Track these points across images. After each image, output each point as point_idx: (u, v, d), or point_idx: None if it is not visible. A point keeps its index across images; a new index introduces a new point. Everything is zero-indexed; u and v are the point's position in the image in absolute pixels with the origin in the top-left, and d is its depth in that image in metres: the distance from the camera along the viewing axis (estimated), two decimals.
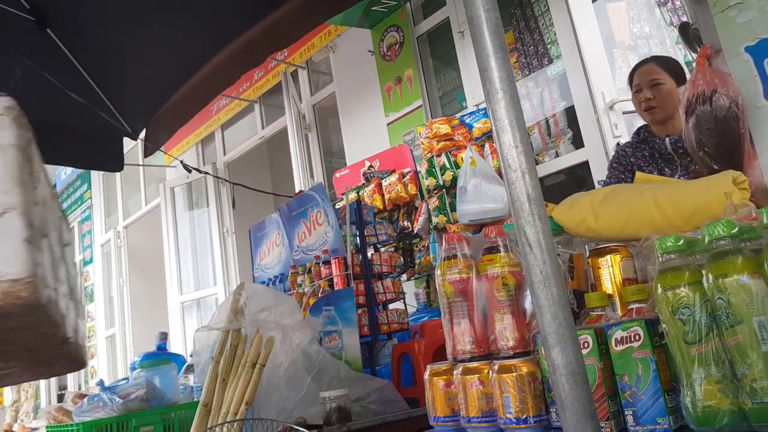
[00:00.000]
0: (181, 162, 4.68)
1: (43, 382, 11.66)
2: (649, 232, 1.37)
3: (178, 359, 3.34)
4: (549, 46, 4.92)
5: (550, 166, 4.82)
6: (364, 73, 6.36)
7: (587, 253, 1.62)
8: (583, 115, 4.58)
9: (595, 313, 1.40)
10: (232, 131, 8.56)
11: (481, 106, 5.07)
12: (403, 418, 2.56)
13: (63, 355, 1.16)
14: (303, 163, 7.13)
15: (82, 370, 11.62)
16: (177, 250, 8.50)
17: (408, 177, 5.00)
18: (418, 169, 4.92)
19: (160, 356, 3.13)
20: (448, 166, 4.45)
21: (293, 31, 3.15)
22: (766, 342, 1.02)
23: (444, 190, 4.51)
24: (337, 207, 3.91)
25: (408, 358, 3.07)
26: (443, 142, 4.53)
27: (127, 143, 4.10)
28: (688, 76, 2.76)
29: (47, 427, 2.81)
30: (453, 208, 4.37)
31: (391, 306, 3.59)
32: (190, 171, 4.67)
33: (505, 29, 5.03)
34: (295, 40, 3.44)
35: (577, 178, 4.79)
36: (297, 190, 6.20)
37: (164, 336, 3.45)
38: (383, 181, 5.13)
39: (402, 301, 3.75)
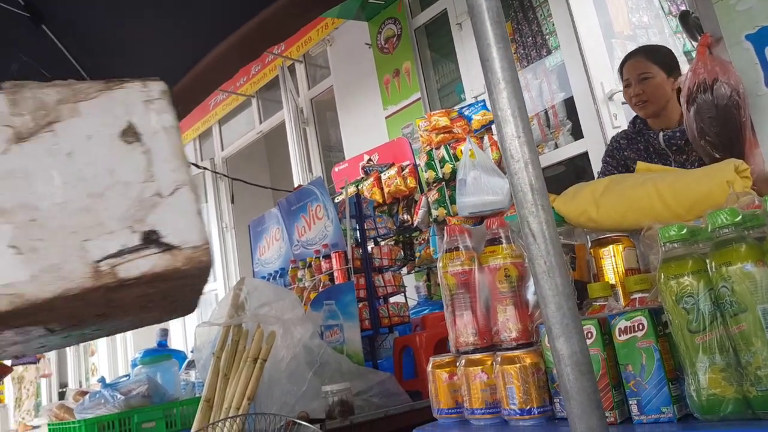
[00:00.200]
0: None
1: (44, 381, 11.69)
2: (651, 221, 1.37)
3: (179, 355, 3.34)
4: (547, 37, 4.91)
5: (550, 157, 4.81)
6: (361, 66, 6.35)
7: (589, 243, 1.62)
8: (582, 106, 4.58)
9: (598, 304, 1.39)
10: (229, 126, 8.55)
11: (479, 98, 5.06)
12: (405, 411, 2.56)
13: (191, 303, 1.30)
14: (301, 158, 7.12)
15: (83, 369, 11.64)
16: None
17: (407, 170, 4.99)
18: (417, 162, 4.92)
19: (161, 353, 3.13)
20: (447, 158, 4.44)
21: (290, 24, 3.14)
22: None
23: (443, 182, 4.50)
24: (336, 201, 3.91)
25: (409, 351, 3.07)
26: (442, 135, 4.52)
27: None
28: (684, 64, 2.75)
29: (49, 424, 2.81)
30: (452, 201, 4.36)
31: (391, 299, 3.59)
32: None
33: None
34: (292, 33, 3.43)
35: (577, 169, 4.79)
36: (296, 185, 6.20)
37: (165, 332, 3.44)
38: (382, 175, 5.12)
39: (403, 294, 3.75)
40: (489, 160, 4.15)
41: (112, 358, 10.50)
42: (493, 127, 4.34)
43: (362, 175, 5.34)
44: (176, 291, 1.19)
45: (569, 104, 4.75)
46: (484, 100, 4.71)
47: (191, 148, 8.79)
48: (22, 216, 1.13)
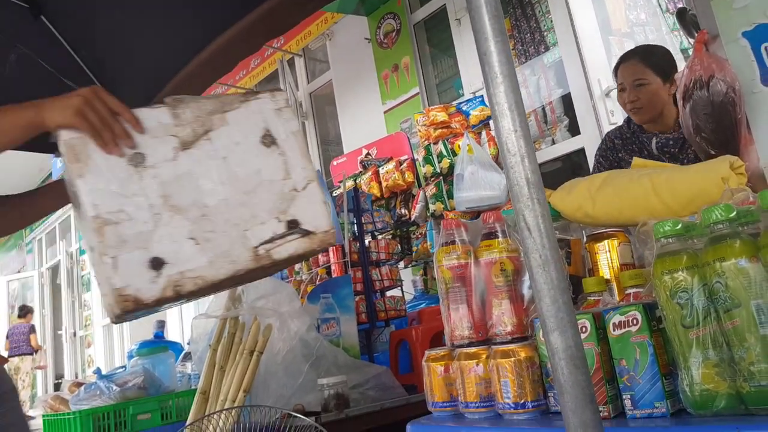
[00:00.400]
0: None
1: (39, 372, 11.70)
2: (647, 217, 1.37)
3: (175, 347, 3.35)
4: (545, 33, 4.91)
5: (547, 153, 4.82)
6: (360, 61, 6.34)
7: (584, 238, 1.62)
8: (580, 103, 4.58)
9: (592, 298, 1.40)
10: None
11: (477, 94, 5.06)
12: (401, 404, 2.57)
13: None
14: None
15: (79, 360, 11.64)
16: None
17: (405, 164, 5.00)
18: (415, 157, 4.92)
19: (157, 344, 3.13)
20: (445, 153, 4.45)
21: (289, 18, 3.12)
22: (763, 325, 1.03)
23: (441, 177, 4.51)
24: (334, 195, 3.91)
25: (405, 344, 3.08)
26: (440, 130, 4.52)
27: None
28: (681, 61, 2.71)
29: (44, 415, 2.81)
30: (450, 196, 4.37)
31: (388, 293, 3.60)
32: None
33: None
34: (292, 27, 3.42)
35: (574, 165, 4.79)
36: None
37: (161, 324, 3.45)
38: (380, 169, 5.13)
39: (399, 288, 3.76)
40: (486, 155, 4.15)
41: (108, 350, 10.51)
42: (491, 122, 4.35)
43: (360, 169, 5.34)
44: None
45: (566, 100, 4.76)
46: (482, 96, 4.72)
47: None
48: (195, 212, 1.40)
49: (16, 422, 1.75)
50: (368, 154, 5.48)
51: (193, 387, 2.85)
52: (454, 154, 4.39)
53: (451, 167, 4.35)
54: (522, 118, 0.99)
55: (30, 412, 3.60)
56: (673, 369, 1.16)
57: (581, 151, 4.60)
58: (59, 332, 12.35)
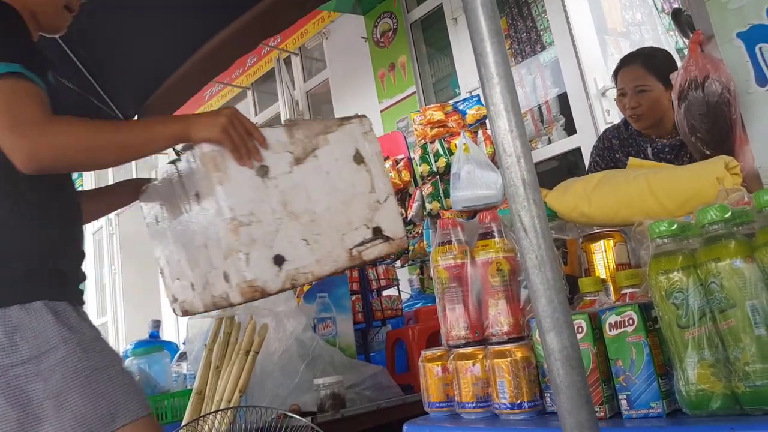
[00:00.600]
0: (174, 149, 4.64)
1: None
2: (642, 217, 1.37)
3: (170, 347, 3.34)
4: (542, 32, 4.92)
5: (543, 152, 4.82)
6: (357, 60, 6.34)
7: (580, 238, 1.62)
8: (576, 102, 4.59)
9: (588, 298, 1.40)
10: None
11: (474, 93, 5.06)
12: (397, 404, 2.57)
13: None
14: None
15: None
16: None
17: (401, 163, 4.99)
18: (412, 156, 4.91)
19: (152, 344, 3.13)
20: (441, 152, 4.44)
21: (286, 16, 3.13)
22: (758, 326, 1.03)
23: (437, 176, 4.50)
24: None
25: (402, 344, 3.08)
26: (437, 129, 4.52)
27: None
28: (677, 61, 2.69)
29: None
30: (446, 195, 4.36)
31: (384, 292, 3.59)
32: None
33: None
34: (288, 25, 3.42)
35: (570, 165, 4.80)
36: None
37: (157, 323, 3.44)
38: None
39: (396, 287, 3.76)
40: (483, 154, 4.15)
41: None
42: (487, 121, 4.34)
43: None
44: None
45: (563, 100, 4.76)
46: (478, 95, 4.71)
47: None
48: (306, 217, 1.66)
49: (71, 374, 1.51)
50: None
51: (188, 387, 2.84)
52: (451, 153, 4.38)
53: (448, 166, 4.34)
54: (518, 119, 0.99)
55: None
56: (669, 369, 1.17)
57: (577, 150, 4.61)
58: None
